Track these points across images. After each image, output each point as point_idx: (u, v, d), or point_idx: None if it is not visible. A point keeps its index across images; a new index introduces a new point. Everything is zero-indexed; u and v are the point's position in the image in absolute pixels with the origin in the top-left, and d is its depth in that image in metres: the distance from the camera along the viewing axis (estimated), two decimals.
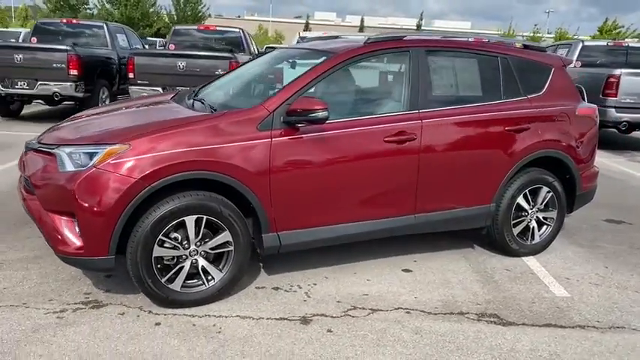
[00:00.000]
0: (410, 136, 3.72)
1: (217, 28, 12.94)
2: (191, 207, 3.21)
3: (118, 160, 3.06)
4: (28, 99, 10.86)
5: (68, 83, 10.08)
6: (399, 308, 3.48)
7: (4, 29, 22.63)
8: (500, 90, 4.18)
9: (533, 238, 4.42)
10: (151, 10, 29.58)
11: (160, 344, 2.95)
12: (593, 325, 3.38)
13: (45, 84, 10.07)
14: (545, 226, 4.46)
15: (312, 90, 3.58)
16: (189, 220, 3.23)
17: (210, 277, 3.38)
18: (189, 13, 33.63)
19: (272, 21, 75.39)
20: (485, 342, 3.12)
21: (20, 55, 10.08)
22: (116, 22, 26.56)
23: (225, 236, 3.34)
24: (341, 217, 3.67)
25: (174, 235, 3.25)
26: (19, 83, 10.16)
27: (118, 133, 3.26)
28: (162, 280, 3.25)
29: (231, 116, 3.41)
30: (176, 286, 3.29)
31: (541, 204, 4.37)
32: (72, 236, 3.11)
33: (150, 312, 3.29)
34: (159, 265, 3.24)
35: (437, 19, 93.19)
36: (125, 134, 3.20)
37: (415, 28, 71.32)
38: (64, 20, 13.05)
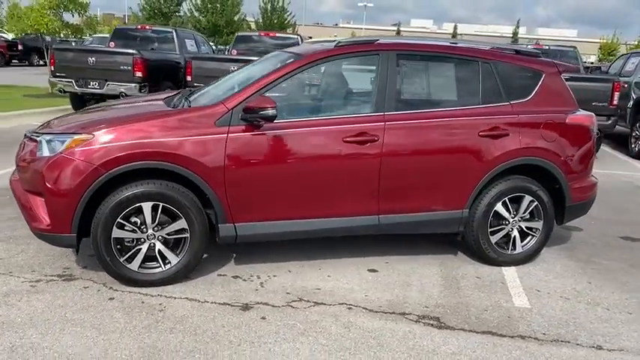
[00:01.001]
0: (371, 137, 3.80)
1: (277, 35, 13.44)
2: (147, 194, 3.50)
3: (81, 148, 3.41)
4: (100, 98, 11.84)
5: (133, 84, 10.89)
6: (343, 304, 3.56)
7: (98, 35, 24.70)
8: (479, 95, 4.13)
9: (514, 247, 4.30)
10: (236, 17, 30.90)
11: (104, 316, 3.25)
12: (536, 337, 3.27)
13: (113, 84, 10.94)
14: (529, 237, 4.33)
15: (275, 90, 3.76)
16: (146, 206, 3.52)
17: (167, 261, 3.65)
18: (275, 21, 34.75)
19: (365, 28, 76.10)
20: (410, 342, 3.14)
21: (93, 58, 11.05)
22: (203, 28, 28.11)
23: (181, 223, 3.60)
24: (298, 213, 3.81)
25: (134, 219, 3.56)
26: (91, 83, 11.11)
27: (87, 124, 3.63)
28: (121, 260, 3.56)
29: (192, 112, 3.67)
30: (134, 266, 3.59)
31: (524, 213, 4.24)
32: (43, 215, 3.50)
33: (110, 288, 3.61)
34: (119, 246, 3.56)
35: (543, 26, 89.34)
36: (92, 125, 3.56)
37: (511, 35, 68.98)
38: (139, 26, 14.09)
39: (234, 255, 4.28)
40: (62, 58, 11.33)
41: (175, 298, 3.53)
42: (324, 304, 3.55)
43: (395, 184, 3.91)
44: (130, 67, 10.89)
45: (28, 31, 15.43)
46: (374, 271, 4.13)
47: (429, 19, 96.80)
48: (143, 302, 3.45)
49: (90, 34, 22.45)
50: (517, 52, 4.41)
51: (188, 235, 3.63)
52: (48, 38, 23.35)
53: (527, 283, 4.04)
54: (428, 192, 4.01)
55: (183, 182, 3.58)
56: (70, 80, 11.18)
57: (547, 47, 12.35)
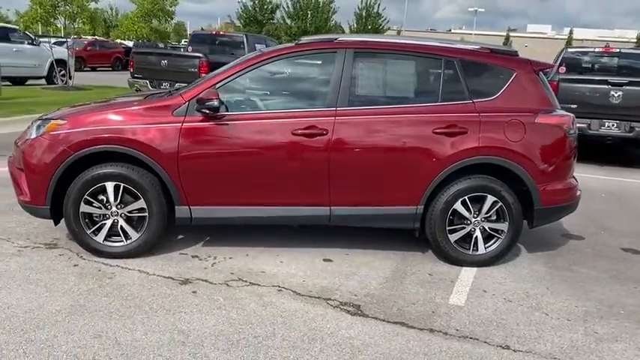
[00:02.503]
0: (320, 131, 3.96)
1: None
2: (109, 175, 3.93)
3: (55, 132, 3.92)
4: None
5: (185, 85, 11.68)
6: (275, 286, 3.77)
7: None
8: (438, 92, 4.14)
9: (476, 248, 4.24)
10: (331, 23, 31.63)
11: (60, 278, 3.72)
12: (446, 332, 3.27)
13: (180, 85, 11.80)
14: (494, 238, 4.24)
15: (230, 84, 4.05)
16: (109, 186, 3.95)
17: (129, 237, 4.07)
18: (369, 26, 35.10)
19: (475, 34, 74.24)
20: (314, 324, 3.28)
21: (165, 61, 12.02)
22: (293, 34, 29.09)
23: (140, 203, 4.00)
24: (251, 200, 4.06)
25: (101, 197, 4.01)
26: (163, 84, 12.06)
27: (66, 112, 4.14)
28: (88, 232, 4.03)
29: (153, 103, 4.07)
30: (99, 238, 4.04)
31: (487, 214, 4.17)
32: (25, 188, 4.06)
33: (81, 257, 4.09)
34: (87, 220, 4.03)
35: None
36: (68, 113, 4.07)
37: (635, 40, 63.99)
38: (214, 32, 15.05)
39: (208, 238, 4.62)
40: (140, 60, 12.43)
41: (129, 269, 3.93)
42: (258, 284, 3.77)
43: (344, 177, 4.03)
44: (196, 69, 11.71)
45: (123, 38, 16.98)
46: (328, 260, 4.27)
47: (547, 24, 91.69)
48: (100, 270, 3.88)
49: (182, 41, 24.18)
50: (491, 50, 4.34)
51: (147, 214, 4.02)
52: (161, 44, 25.45)
53: (478, 284, 3.97)
54: (378, 187, 4.08)
55: (143, 166, 3.97)
56: (145, 81, 12.24)
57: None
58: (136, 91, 12.41)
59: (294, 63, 4.30)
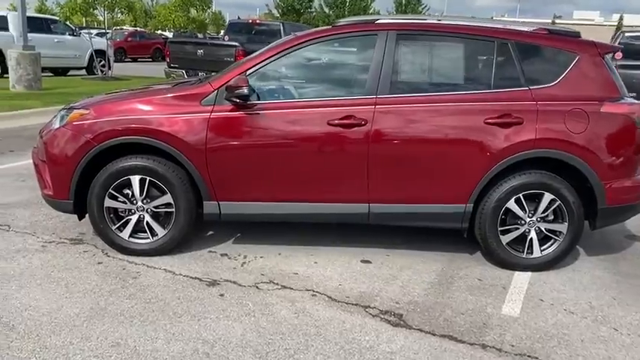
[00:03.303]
0: (358, 121, 3.62)
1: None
2: (134, 168, 3.70)
3: (78, 122, 3.71)
4: None
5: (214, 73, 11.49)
6: (310, 290, 3.46)
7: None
8: (490, 78, 3.73)
9: (531, 251, 3.83)
10: (370, 11, 31.09)
11: (82, 277, 3.51)
12: (500, 348, 2.90)
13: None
14: (551, 240, 3.83)
15: (261, 70, 3.75)
16: (135, 179, 3.72)
17: (155, 233, 3.83)
18: (408, 13, 34.37)
19: (518, 21, 72.32)
20: (351, 335, 2.96)
21: (201, 50, 11.85)
22: (331, 23, 28.64)
23: (166, 198, 3.76)
24: (283, 196, 3.77)
25: (126, 191, 3.78)
26: (199, 74, 11.89)
27: (90, 101, 3.92)
28: (113, 228, 3.81)
29: (181, 91, 3.80)
30: (124, 234, 3.82)
31: (543, 213, 3.76)
32: (48, 181, 3.87)
33: (106, 254, 3.89)
34: (111, 215, 3.81)
35: None
36: (92, 102, 3.85)
37: None
38: (250, 20, 14.79)
39: (239, 234, 4.36)
40: (176, 50, 12.31)
41: (155, 268, 3.69)
42: (291, 288, 3.48)
43: (385, 171, 3.69)
44: (232, 59, 11.48)
45: (161, 28, 16.96)
46: (367, 262, 3.94)
47: (595, 10, 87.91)
48: (124, 269, 3.66)
49: (221, 32, 24.11)
50: (549, 31, 3.90)
51: (174, 209, 3.77)
52: (200, 35, 25.48)
53: (534, 292, 3.58)
54: (423, 182, 3.72)
55: (170, 159, 3.72)
56: (181, 71, 12.11)
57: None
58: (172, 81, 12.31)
59: (331, 47, 3.96)
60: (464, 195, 3.73)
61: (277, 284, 3.53)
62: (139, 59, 29.39)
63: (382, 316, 3.18)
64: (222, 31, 24.52)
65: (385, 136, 3.64)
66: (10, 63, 11.82)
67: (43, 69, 13.31)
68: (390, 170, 3.69)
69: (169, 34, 34.69)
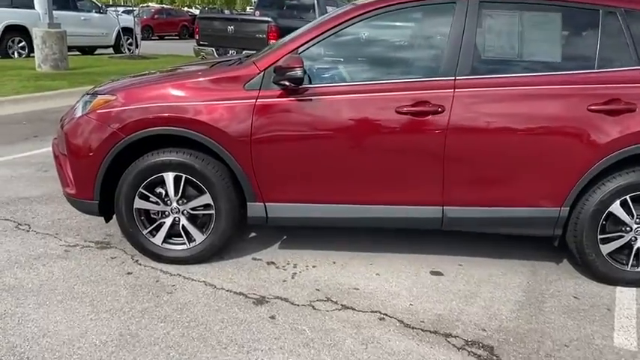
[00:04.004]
0: (434, 107, 3.01)
1: None
2: (168, 163, 3.17)
3: (103, 110, 3.18)
4: None
5: (255, 52, 10.87)
6: (376, 312, 2.90)
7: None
8: (594, 55, 3.06)
9: (637, 263, 3.20)
10: None
11: (110, 292, 3.02)
12: None
13: (247, 52, 11.03)
14: None
15: (314, 48, 3.16)
16: (169, 177, 3.19)
17: (192, 239, 3.31)
18: None
19: None
20: None
21: (232, 27, 11.24)
22: None
23: (205, 199, 3.22)
24: (340, 197, 3.20)
25: (159, 190, 3.26)
26: (230, 52, 11.33)
27: (117, 85, 3.38)
28: (144, 232, 3.30)
29: (221, 73, 3.23)
30: (157, 240, 3.31)
31: None
32: (71, 179, 3.36)
33: (136, 261, 3.39)
34: (142, 217, 3.30)
35: None
36: (119, 86, 3.31)
37: None
38: None
39: (285, 237, 3.81)
40: (205, 27, 11.73)
41: (193, 280, 3.18)
42: (353, 308, 2.93)
43: (465, 168, 3.08)
44: (264, 35, 10.87)
45: (188, 5, 16.38)
46: (438, 274, 3.36)
47: None
48: (157, 281, 3.16)
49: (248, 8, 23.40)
50: None
51: (214, 211, 3.24)
52: (227, 11, 24.82)
53: None
54: (509, 182, 3.10)
55: (210, 153, 3.18)
56: (211, 48, 11.55)
57: None
58: (202, 59, 11.75)
59: (397, 19, 3.32)
60: (559, 196, 3.10)
61: (336, 303, 2.98)
62: (166, 37, 28.94)
63: (469, 349, 2.60)
64: (247, 8, 23.82)
65: (466, 126, 3.02)
66: (36, 42, 11.41)
67: (70, 48, 12.90)
68: (471, 167, 3.08)
69: (196, 11, 34.11)
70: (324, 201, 3.20)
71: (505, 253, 3.61)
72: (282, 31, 10.87)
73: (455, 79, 3.03)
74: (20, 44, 14.14)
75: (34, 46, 11.57)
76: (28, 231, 3.80)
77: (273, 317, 2.82)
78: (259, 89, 3.09)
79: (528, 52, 3.18)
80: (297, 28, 3.72)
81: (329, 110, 3.07)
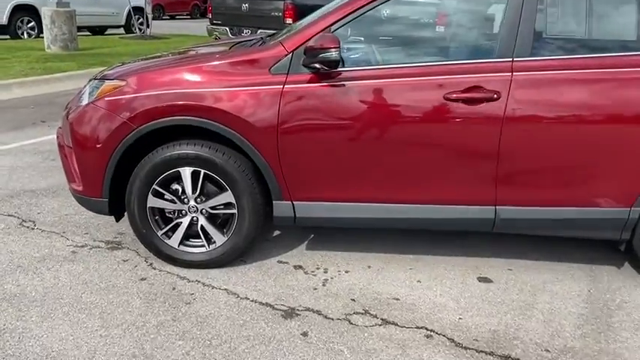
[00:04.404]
0: (488, 94, 2.62)
1: None
2: (184, 157, 2.82)
3: (111, 97, 2.82)
4: None
5: (276, 31, 10.43)
6: (422, 328, 2.55)
7: None
8: None
9: None
10: None
11: (122, 302, 2.70)
12: None
13: (263, 32, 10.59)
14: None
15: (350, 26, 2.76)
16: (186, 172, 2.85)
17: (212, 240, 2.98)
18: None
19: None
20: None
21: (246, 5, 10.79)
22: None
23: (227, 196, 2.87)
24: (378, 195, 2.83)
25: (175, 186, 2.92)
26: (244, 31, 10.91)
27: (126, 69, 3.02)
28: (159, 233, 2.97)
29: (242, 55, 2.85)
30: (173, 242, 2.98)
31: None
32: (78, 174, 3.03)
33: (150, 265, 3.07)
34: (156, 217, 2.97)
35: None
36: (129, 70, 2.94)
37: None
38: None
39: (312, 235, 3.47)
40: (218, 5, 11.30)
41: (213, 287, 2.85)
42: (395, 324, 2.58)
43: (523, 163, 2.70)
44: (280, 14, 10.42)
45: None
46: (486, 280, 3.00)
47: None
48: (174, 289, 2.83)
49: None
50: None
51: (236, 211, 2.89)
52: None
53: None
54: (575, 179, 2.72)
55: (231, 146, 2.82)
56: (225, 28, 11.14)
57: None
58: (215, 39, 11.33)
59: None
60: (629, 196, 2.72)
61: (376, 317, 2.63)
62: (177, 17, 28.41)
63: None
64: None
65: (526, 115, 2.63)
66: (45, 22, 11.04)
67: (80, 28, 12.53)
68: (530, 161, 2.70)
69: None
70: (360, 199, 2.84)
71: (556, 255, 3.24)
72: (300, 10, 10.41)
73: (512, 61, 2.63)
74: (30, 24, 13.79)
75: (43, 27, 11.21)
76: (32, 228, 3.49)
77: (305, 334, 2.48)
78: (287, 73, 2.71)
79: (600, 29, 2.75)
80: (315, 7, 3.34)
81: (366, 97, 2.69)
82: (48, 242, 3.30)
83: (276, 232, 3.52)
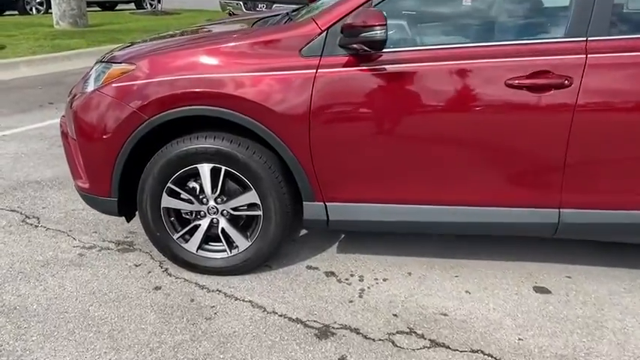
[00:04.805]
0: (558, 80, 2.23)
1: None
2: (203, 152, 2.47)
3: (120, 84, 2.47)
4: None
5: (300, 6, 9.96)
6: (477, 351, 2.22)
7: None
8: None
9: None
10: None
11: (134, 316, 2.39)
12: None
13: (279, 7, 10.13)
14: None
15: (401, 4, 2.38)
16: (204, 169, 2.50)
17: (234, 245, 2.65)
18: None
19: None
20: None
21: None
22: None
23: (250, 196, 2.53)
24: (424, 196, 2.47)
25: (193, 184, 2.58)
26: (259, 6, 10.46)
27: (135, 51, 2.65)
28: (175, 237, 2.65)
29: (266, 35, 2.47)
30: (191, 246, 2.66)
31: None
32: (83, 170, 2.70)
33: (165, 271, 2.75)
34: (172, 218, 2.64)
35: None
36: (139, 53, 2.58)
37: None
38: None
39: (342, 236, 3.13)
40: None
41: (236, 298, 2.53)
42: (447, 346, 2.24)
43: (595, 160, 2.32)
44: None
45: None
46: (543, 291, 2.64)
47: None
48: (192, 300, 2.51)
49: None
50: None
51: (261, 212, 2.55)
52: None
53: None
54: None
55: (256, 139, 2.46)
56: (239, 2, 10.69)
57: None
58: (229, 14, 10.88)
59: None
60: None
61: (423, 337, 2.29)
62: None
63: None
64: None
65: (602, 104, 2.24)
66: None
67: (90, 3, 12.16)
68: (604, 158, 2.32)
69: None
70: (404, 201, 2.48)
71: (616, 259, 2.87)
72: None
73: (586, 41, 2.23)
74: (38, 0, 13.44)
75: (52, 2, 10.85)
76: (36, 226, 3.19)
77: (343, 359, 2.15)
78: (321, 55, 2.33)
79: None
80: None
81: (414, 83, 2.31)
82: (53, 243, 3.00)
83: (303, 232, 3.18)
